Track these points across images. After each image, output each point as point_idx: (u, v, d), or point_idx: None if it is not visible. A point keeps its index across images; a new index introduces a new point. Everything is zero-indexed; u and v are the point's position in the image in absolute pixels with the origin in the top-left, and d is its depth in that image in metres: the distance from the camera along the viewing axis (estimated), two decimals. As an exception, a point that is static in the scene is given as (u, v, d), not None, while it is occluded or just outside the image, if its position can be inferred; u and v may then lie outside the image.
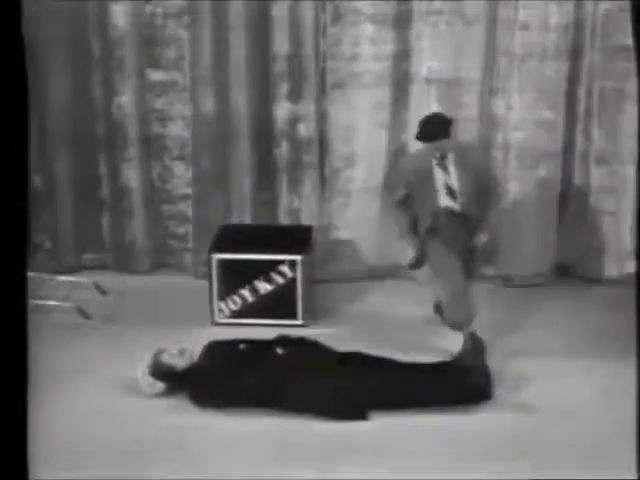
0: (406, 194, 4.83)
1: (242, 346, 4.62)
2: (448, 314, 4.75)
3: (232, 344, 4.65)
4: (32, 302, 5.19)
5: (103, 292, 5.69)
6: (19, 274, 2.30)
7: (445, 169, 4.72)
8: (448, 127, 4.77)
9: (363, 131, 5.76)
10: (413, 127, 5.67)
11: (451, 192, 4.70)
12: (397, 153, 5.75)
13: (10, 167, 2.28)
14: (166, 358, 4.48)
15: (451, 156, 4.72)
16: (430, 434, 4.15)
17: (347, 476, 3.82)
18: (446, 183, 4.70)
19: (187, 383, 4.43)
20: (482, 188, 4.78)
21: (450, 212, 4.71)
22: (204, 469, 3.90)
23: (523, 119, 5.57)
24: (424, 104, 5.60)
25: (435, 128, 4.75)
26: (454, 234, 4.70)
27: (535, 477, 3.77)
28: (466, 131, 5.59)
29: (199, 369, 4.49)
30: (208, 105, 5.79)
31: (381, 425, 4.21)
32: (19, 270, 2.30)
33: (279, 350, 4.54)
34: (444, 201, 4.71)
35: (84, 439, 4.12)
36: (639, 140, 5.03)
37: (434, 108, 5.58)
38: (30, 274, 5.68)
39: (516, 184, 5.70)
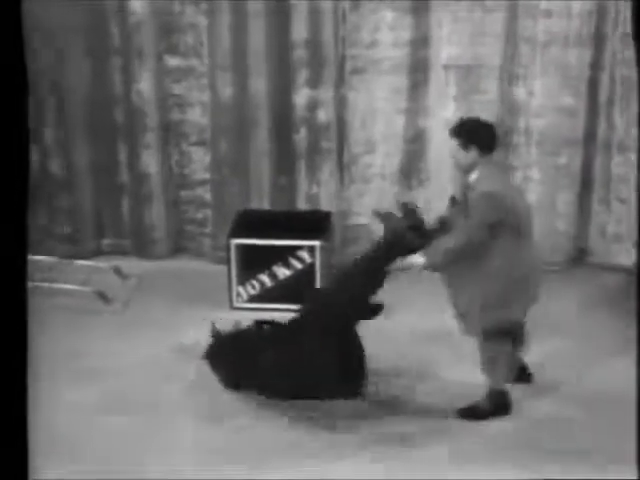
0: None
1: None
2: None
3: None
4: (52, 286, 5.31)
5: (122, 276, 5.73)
6: (19, 262, 2.28)
7: None
8: None
9: (382, 117, 5.77)
10: (431, 113, 5.75)
11: None
12: (416, 139, 5.76)
13: (10, 152, 2.27)
14: None
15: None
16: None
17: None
18: None
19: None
20: None
21: None
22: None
23: (544, 106, 5.56)
24: (443, 90, 5.61)
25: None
26: None
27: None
28: (485, 117, 5.58)
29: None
30: (227, 91, 5.81)
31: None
32: (19, 258, 2.29)
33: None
34: None
35: (99, 424, 4.16)
36: (639, 133, 5.03)
37: (452, 93, 5.61)
38: (50, 259, 5.81)
39: (537, 170, 5.69)
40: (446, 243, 3.92)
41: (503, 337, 4.00)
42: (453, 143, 4.01)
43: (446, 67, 5.63)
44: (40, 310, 5.22)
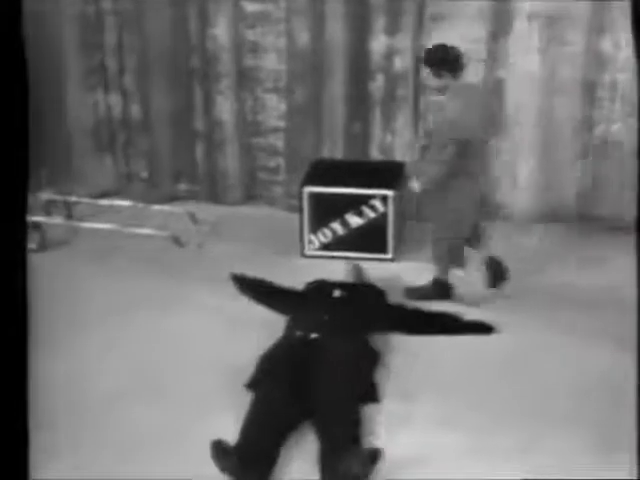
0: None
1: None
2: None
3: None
4: (129, 230, 5.41)
5: (196, 222, 5.80)
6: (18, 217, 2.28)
7: None
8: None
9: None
10: (512, 64, 5.60)
11: None
12: (495, 89, 5.63)
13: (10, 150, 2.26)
14: None
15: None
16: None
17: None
18: None
19: None
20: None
21: None
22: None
23: (631, 59, 5.36)
24: (525, 40, 5.46)
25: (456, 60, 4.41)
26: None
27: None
28: (570, 69, 5.43)
29: None
30: (303, 37, 5.76)
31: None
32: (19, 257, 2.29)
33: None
34: None
35: (176, 361, 4.24)
36: (639, 129, 4.85)
37: (535, 44, 5.45)
38: (130, 204, 5.93)
39: (621, 126, 5.51)
40: (428, 163, 4.52)
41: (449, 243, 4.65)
42: (426, 71, 4.45)
43: (530, 17, 5.44)
44: (123, 253, 5.44)
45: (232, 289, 4.87)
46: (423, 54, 4.52)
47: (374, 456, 3.09)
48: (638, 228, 2.84)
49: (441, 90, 4.46)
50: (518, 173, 5.80)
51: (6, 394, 2.22)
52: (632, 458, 2.54)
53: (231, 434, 3.27)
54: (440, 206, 4.59)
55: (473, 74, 5.59)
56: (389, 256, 5.32)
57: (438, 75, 4.38)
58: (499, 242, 5.11)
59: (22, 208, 2.27)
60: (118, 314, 4.61)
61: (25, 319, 2.26)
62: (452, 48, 4.42)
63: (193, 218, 5.79)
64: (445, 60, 4.35)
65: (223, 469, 3.07)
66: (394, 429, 3.51)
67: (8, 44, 2.17)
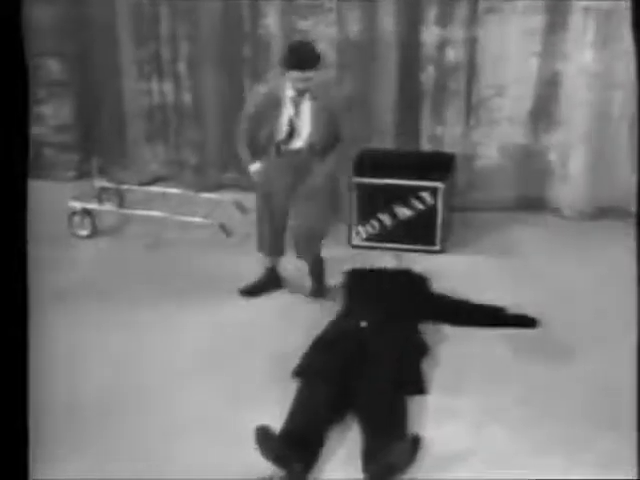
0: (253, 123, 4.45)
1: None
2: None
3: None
4: (178, 218, 5.46)
5: (243, 210, 5.82)
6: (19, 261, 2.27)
7: (297, 105, 4.34)
8: (318, 59, 4.27)
9: (514, 59, 5.57)
10: (567, 57, 5.51)
11: (292, 131, 4.38)
12: (549, 83, 5.55)
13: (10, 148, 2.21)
14: None
15: (311, 93, 4.30)
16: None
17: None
18: (291, 120, 4.36)
19: None
20: (333, 132, 4.38)
21: (281, 150, 4.44)
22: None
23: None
24: (581, 34, 5.38)
25: (305, 57, 4.24)
26: (279, 173, 4.47)
27: None
28: (625, 64, 5.32)
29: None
30: (354, 27, 5.75)
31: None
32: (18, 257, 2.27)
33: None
34: (280, 138, 4.40)
35: (225, 348, 4.26)
36: (638, 129, 4.71)
37: (590, 38, 5.36)
38: (179, 192, 5.98)
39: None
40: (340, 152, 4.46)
41: None
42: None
43: (586, 10, 5.36)
44: (171, 242, 5.50)
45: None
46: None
47: (415, 444, 3.08)
48: (638, 223, 2.76)
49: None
50: (570, 168, 5.72)
51: (6, 393, 2.21)
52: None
53: (277, 422, 3.29)
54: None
55: (526, 67, 5.58)
56: (437, 248, 5.28)
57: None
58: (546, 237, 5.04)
59: (22, 201, 2.27)
60: (168, 300, 4.67)
61: (25, 318, 2.25)
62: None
63: (240, 207, 5.83)
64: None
65: (267, 456, 3.08)
66: (441, 422, 3.48)
67: (7, 38, 2.17)
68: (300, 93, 4.30)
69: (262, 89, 4.60)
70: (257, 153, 4.49)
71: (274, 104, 4.36)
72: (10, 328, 2.19)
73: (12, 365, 2.21)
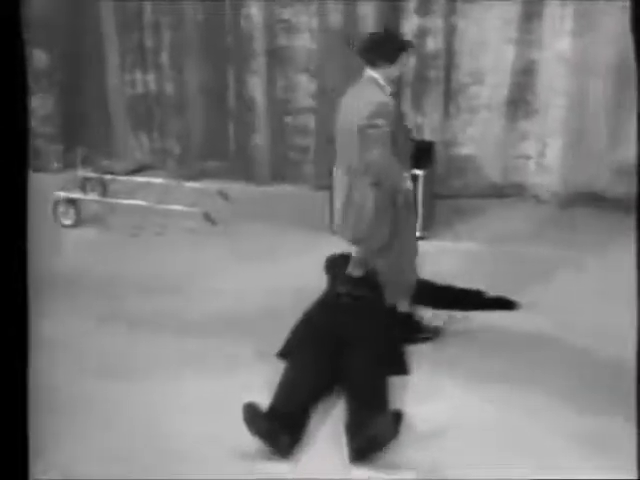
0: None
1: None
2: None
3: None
4: (162, 207, 5.51)
5: (227, 199, 5.88)
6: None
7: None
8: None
9: (492, 47, 5.68)
10: (544, 46, 5.60)
11: None
12: (526, 71, 5.65)
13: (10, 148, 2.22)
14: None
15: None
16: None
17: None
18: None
19: None
20: None
21: None
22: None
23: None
24: (557, 21, 5.47)
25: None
26: None
27: None
28: (601, 51, 5.44)
29: None
30: (335, 17, 5.81)
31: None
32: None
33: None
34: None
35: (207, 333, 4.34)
36: (638, 132, 4.79)
37: (567, 26, 5.45)
38: (163, 181, 6.02)
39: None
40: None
41: None
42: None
43: (563, -1, 5.47)
44: (155, 229, 5.54)
45: (262, 264, 4.97)
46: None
47: (397, 418, 3.17)
48: (638, 219, 2.80)
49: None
50: (547, 155, 5.82)
51: (6, 393, 2.21)
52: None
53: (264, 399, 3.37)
54: None
55: (504, 56, 5.67)
56: (418, 235, 5.35)
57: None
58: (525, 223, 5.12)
59: (22, 198, 2.30)
60: (154, 289, 4.72)
61: (26, 316, 2.28)
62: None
63: (224, 195, 5.89)
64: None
65: (254, 432, 3.17)
66: (421, 399, 3.57)
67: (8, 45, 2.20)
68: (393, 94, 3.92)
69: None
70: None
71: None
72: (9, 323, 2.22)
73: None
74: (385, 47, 3.83)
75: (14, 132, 2.19)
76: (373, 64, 3.83)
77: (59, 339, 4.07)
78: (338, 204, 4.08)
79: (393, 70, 3.85)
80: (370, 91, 3.81)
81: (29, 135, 2.29)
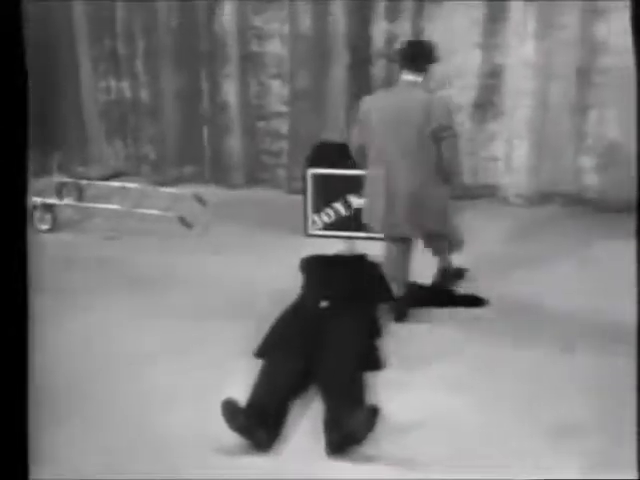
0: None
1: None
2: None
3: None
4: (142, 212, 5.57)
5: (202, 203, 5.95)
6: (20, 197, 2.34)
7: None
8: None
9: (459, 50, 5.80)
10: (509, 47, 5.74)
11: None
12: (492, 74, 5.78)
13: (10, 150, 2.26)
14: None
15: None
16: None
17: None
18: None
19: None
20: None
21: None
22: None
23: (626, 45, 5.48)
24: (521, 24, 5.61)
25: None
26: None
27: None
28: (565, 54, 5.59)
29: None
30: (305, 22, 5.92)
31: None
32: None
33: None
34: None
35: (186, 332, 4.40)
36: (638, 134, 4.95)
37: (531, 28, 5.60)
38: (139, 186, 6.07)
39: (615, 110, 5.66)
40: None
41: None
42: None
43: (525, 2, 5.59)
44: (133, 234, 5.59)
45: (239, 266, 5.05)
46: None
47: (374, 413, 3.28)
48: (638, 216, 2.83)
49: None
50: (514, 156, 5.96)
51: (6, 393, 2.20)
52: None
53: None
54: None
55: (471, 59, 5.80)
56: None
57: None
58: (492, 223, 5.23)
59: (22, 199, 2.35)
60: (126, 289, 4.78)
61: (26, 316, 2.32)
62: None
63: (199, 199, 5.96)
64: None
65: (233, 428, 3.26)
66: (395, 394, 3.68)
67: (8, 36, 2.24)
68: None
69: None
70: None
71: None
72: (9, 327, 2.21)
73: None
74: (430, 54, 4.08)
75: (14, 134, 2.23)
76: (417, 69, 4.04)
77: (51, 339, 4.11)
78: (381, 202, 4.23)
79: (427, 76, 4.12)
80: (419, 93, 4.03)
81: (29, 136, 2.32)
